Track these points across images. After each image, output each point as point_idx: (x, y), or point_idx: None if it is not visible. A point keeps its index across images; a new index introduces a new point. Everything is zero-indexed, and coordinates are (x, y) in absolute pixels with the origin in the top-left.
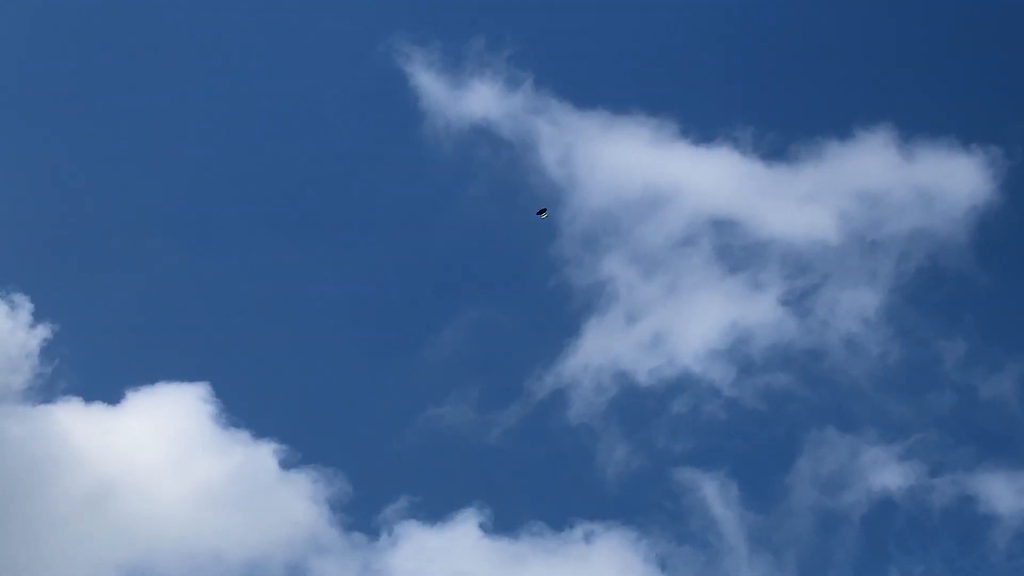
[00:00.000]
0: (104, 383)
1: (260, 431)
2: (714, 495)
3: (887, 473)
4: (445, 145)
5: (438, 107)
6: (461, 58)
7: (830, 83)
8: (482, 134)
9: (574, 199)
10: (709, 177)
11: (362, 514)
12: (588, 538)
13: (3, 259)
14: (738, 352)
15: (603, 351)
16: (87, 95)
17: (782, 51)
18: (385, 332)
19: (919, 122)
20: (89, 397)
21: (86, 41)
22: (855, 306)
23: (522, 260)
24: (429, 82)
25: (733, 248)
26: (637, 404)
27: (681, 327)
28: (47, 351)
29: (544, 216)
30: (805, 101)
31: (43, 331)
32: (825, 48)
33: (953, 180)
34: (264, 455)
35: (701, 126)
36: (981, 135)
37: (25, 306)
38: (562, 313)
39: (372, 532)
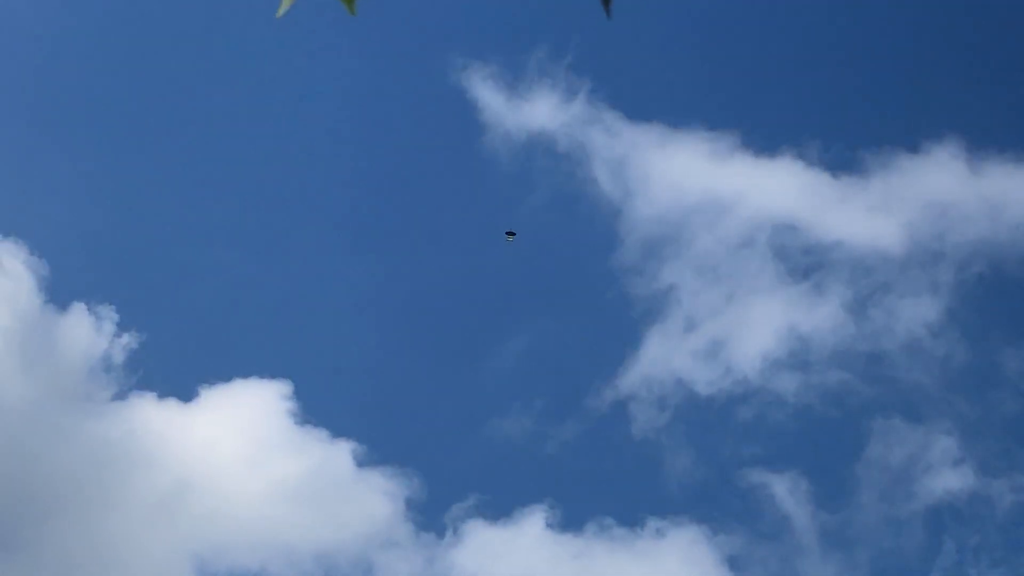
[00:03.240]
0: (184, 382)
1: (337, 431)
2: (784, 493)
3: (950, 473)
4: (504, 157)
5: (497, 119)
6: (520, 69)
7: (899, 98)
8: (542, 145)
9: (635, 208)
10: (774, 186)
11: (432, 512)
12: (659, 534)
13: (87, 274)
14: (802, 356)
15: (666, 360)
16: (162, 123)
17: (850, 66)
18: (452, 341)
19: (987, 136)
20: (171, 395)
21: (163, 72)
22: (919, 312)
23: (583, 270)
24: (488, 94)
25: (798, 255)
26: (703, 412)
27: (745, 334)
28: (131, 356)
29: (511, 239)
30: (874, 115)
31: (128, 339)
32: (894, 63)
33: (1019, 192)
34: (341, 453)
35: (766, 139)
36: None
37: (111, 316)
38: (624, 323)
39: (440, 529)
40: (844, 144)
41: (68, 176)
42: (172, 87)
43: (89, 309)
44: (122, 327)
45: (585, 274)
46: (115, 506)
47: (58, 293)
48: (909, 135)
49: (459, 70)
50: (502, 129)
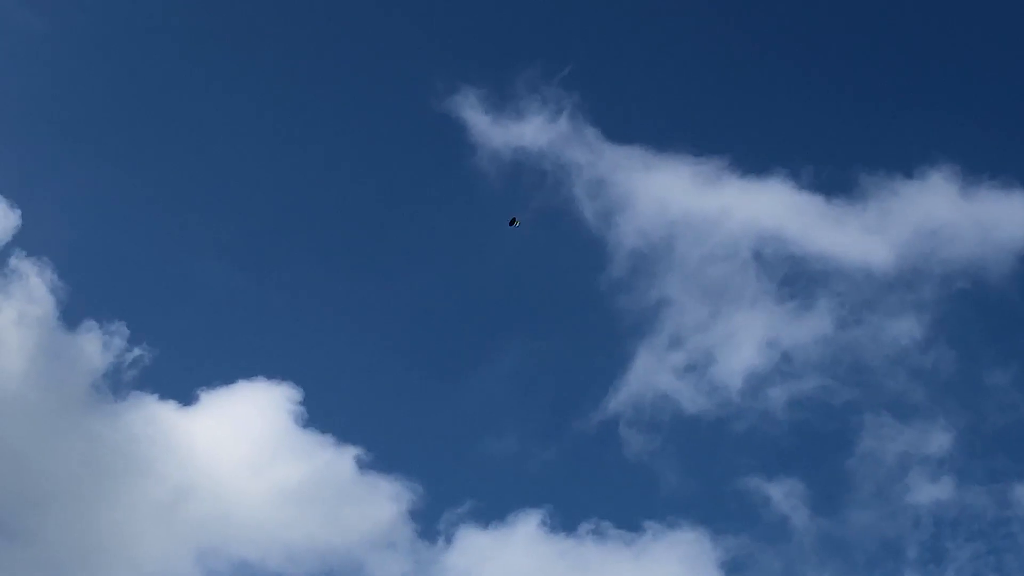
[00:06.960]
0: (190, 386)
1: (343, 436)
2: (780, 497)
3: (936, 483)
4: (491, 175)
5: (485, 138)
6: (509, 88)
7: (895, 123)
8: (528, 164)
9: (623, 226)
10: (764, 206)
11: (430, 517)
12: (656, 537)
13: (98, 290)
14: (790, 371)
15: (655, 377)
16: (162, 139)
17: (846, 91)
18: (443, 358)
19: (981, 161)
20: (176, 399)
21: (164, 91)
22: (906, 329)
23: (571, 289)
24: (475, 114)
25: (787, 272)
26: (692, 426)
27: (734, 350)
28: (141, 361)
29: (515, 224)
30: (869, 140)
31: (138, 350)
32: (890, 89)
33: (1010, 217)
34: (345, 458)
35: (760, 160)
36: None
37: (121, 331)
38: (613, 340)
39: (435, 533)
40: (838, 168)
41: (80, 194)
42: (172, 107)
43: (100, 324)
44: (133, 341)
45: (574, 292)
46: (120, 506)
47: (71, 308)
48: (905, 160)
49: (446, 93)
50: (489, 148)
